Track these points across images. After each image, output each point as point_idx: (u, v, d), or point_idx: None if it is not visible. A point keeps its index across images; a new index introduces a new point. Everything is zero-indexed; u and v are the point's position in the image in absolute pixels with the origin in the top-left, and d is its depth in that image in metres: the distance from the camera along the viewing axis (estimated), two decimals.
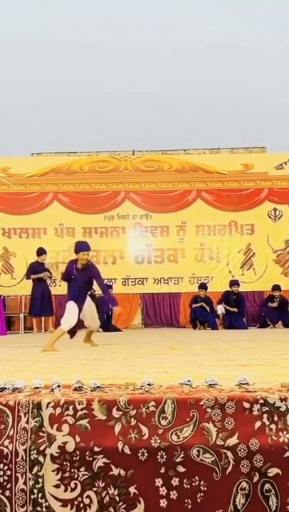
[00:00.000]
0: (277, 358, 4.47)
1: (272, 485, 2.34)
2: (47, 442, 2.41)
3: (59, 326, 6.27)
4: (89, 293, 6.30)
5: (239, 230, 11.01)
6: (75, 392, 2.62)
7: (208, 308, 10.06)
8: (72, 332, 6.12)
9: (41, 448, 2.40)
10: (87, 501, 2.35)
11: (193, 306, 10.15)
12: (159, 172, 11.04)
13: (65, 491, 2.37)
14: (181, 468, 2.36)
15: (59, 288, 9.70)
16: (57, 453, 2.39)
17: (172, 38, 12.17)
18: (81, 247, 6.28)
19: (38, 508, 2.36)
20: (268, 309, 10.13)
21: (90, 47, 12.03)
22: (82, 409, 2.45)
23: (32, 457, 2.39)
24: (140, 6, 11.93)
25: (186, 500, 2.34)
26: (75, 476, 2.37)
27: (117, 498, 2.34)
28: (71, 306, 6.08)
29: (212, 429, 2.40)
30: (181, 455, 2.36)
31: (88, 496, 2.36)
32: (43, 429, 2.43)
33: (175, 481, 2.35)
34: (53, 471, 2.39)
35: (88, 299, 6.22)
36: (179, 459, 2.36)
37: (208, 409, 2.43)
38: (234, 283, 10.11)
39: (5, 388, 2.66)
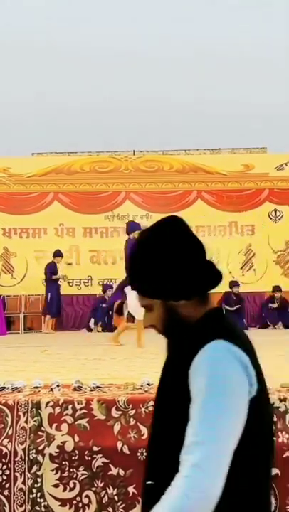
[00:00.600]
0: (276, 359, 4.46)
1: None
2: (46, 442, 2.41)
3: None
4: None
5: (239, 230, 11.00)
6: (74, 391, 2.62)
7: None
8: None
9: (40, 447, 2.40)
10: (86, 501, 2.35)
11: None
12: (159, 172, 11.03)
13: (64, 490, 2.37)
14: None
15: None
16: (56, 452, 2.40)
17: (173, 39, 12.18)
18: (133, 227, 6.33)
19: (37, 508, 2.36)
20: (268, 310, 10.13)
21: (90, 47, 12.04)
22: (81, 409, 2.45)
23: (31, 456, 2.40)
24: (141, 7, 11.94)
25: None
26: (74, 476, 2.38)
27: (116, 498, 2.34)
28: None
29: None
30: None
31: (87, 496, 2.36)
32: (42, 428, 2.44)
33: None
34: (52, 470, 2.39)
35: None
36: None
37: None
38: (234, 284, 10.10)
39: (4, 388, 2.67)
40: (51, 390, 2.63)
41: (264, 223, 10.93)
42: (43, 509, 2.35)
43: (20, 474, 2.39)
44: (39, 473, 2.38)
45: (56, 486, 2.37)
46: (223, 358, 1.14)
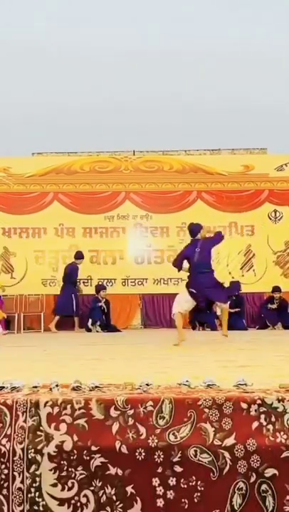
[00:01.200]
0: (276, 360, 4.47)
1: (269, 485, 2.35)
2: (44, 441, 2.42)
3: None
4: None
5: (239, 231, 11.00)
6: (73, 391, 2.62)
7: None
8: None
9: (39, 447, 2.41)
10: (84, 500, 2.36)
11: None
12: (159, 173, 11.03)
13: (62, 490, 2.37)
14: (178, 468, 2.36)
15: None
16: (54, 452, 2.40)
17: (173, 39, 12.18)
18: (198, 228, 6.76)
19: (35, 507, 2.36)
20: (268, 311, 10.12)
21: (90, 47, 12.04)
22: (80, 409, 2.46)
23: (29, 456, 2.40)
24: (141, 6, 11.94)
25: (182, 500, 2.34)
26: (72, 475, 2.38)
27: (114, 498, 2.35)
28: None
29: (209, 430, 2.40)
30: (179, 455, 2.37)
31: (85, 495, 2.36)
32: (41, 428, 2.44)
33: (172, 481, 2.35)
34: (50, 470, 2.39)
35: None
36: (176, 459, 2.37)
37: (206, 410, 2.43)
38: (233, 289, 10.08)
39: (3, 387, 2.67)
40: (50, 389, 2.64)
41: (264, 224, 10.93)
42: (41, 508, 2.36)
43: (19, 473, 2.39)
44: (37, 472, 2.39)
45: (54, 485, 2.37)
46: None
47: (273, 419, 2.42)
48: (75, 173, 10.99)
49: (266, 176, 10.98)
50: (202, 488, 2.34)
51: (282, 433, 2.39)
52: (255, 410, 2.43)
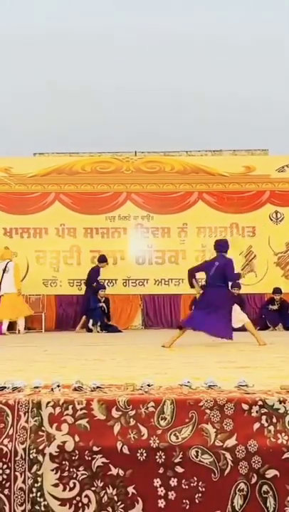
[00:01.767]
0: (276, 361, 4.48)
1: (270, 486, 2.35)
2: (46, 441, 2.42)
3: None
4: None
5: (240, 232, 11.01)
6: (74, 392, 2.63)
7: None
8: None
9: (40, 447, 2.41)
10: (85, 501, 2.36)
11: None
12: (160, 173, 11.04)
13: (64, 490, 2.38)
14: (179, 469, 2.36)
15: None
16: (56, 452, 2.40)
17: (173, 39, 12.18)
18: (226, 246, 6.77)
19: (37, 507, 2.37)
20: (269, 312, 10.13)
21: (92, 47, 12.05)
22: (81, 409, 2.46)
23: (31, 456, 2.40)
24: (144, 3, 11.94)
25: (184, 501, 2.34)
26: (74, 476, 2.38)
27: (115, 498, 2.35)
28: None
29: (211, 430, 2.41)
30: (180, 456, 2.37)
31: (87, 496, 2.37)
32: (43, 428, 2.44)
33: (173, 482, 2.36)
34: (52, 470, 2.40)
35: None
36: (177, 460, 2.37)
37: (207, 411, 2.44)
38: (235, 285, 10.09)
39: (5, 387, 2.67)
40: (52, 390, 2.64)
41: (265, 225, 10.94)
42: (42, 508, 2.36)
43: (21, 474, 2.40)
44: (39, 472, 2.39)
45: (56, 485, 2.38)
46: None
47: (274, 420, 2.42)
48: (77, 173, 11.00)
49: (267, 177, 10.99)
50: (203, 489, 2.34)
51: (283, 434, 2.39)
52: (257, 411, 2.43)
